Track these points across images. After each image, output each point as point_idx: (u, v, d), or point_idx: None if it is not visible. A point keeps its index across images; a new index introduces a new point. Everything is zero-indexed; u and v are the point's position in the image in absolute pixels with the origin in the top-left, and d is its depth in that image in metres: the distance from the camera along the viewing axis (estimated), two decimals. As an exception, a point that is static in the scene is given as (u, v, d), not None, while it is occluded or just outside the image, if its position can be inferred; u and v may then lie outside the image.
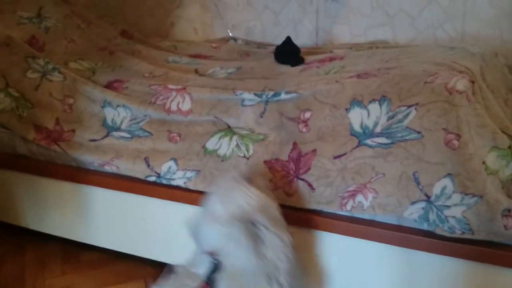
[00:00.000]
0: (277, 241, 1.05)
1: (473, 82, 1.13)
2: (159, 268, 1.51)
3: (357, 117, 1.17)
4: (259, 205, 1.06)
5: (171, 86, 1.43)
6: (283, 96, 1.27)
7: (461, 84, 1.09)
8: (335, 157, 1.17)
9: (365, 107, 1.16)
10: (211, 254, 1.05)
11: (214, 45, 1.99)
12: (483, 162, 1.05)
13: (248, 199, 1.06)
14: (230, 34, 2.16)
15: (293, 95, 1.26)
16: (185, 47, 2.02)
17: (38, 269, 1.57)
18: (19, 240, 1.71)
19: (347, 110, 1.18)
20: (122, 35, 2.10)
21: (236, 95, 1.33)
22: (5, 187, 1.61)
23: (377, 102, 1.14)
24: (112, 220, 1.50)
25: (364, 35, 1.89)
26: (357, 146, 1.16)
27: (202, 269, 1.10)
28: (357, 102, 1.17)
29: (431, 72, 1.15)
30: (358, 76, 1.23)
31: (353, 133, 1.17)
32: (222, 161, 1.30)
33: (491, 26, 1.72)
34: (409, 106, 1.10)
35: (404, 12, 1.80)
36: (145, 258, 1.51)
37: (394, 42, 1.83)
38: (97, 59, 1.73)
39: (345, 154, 1.17)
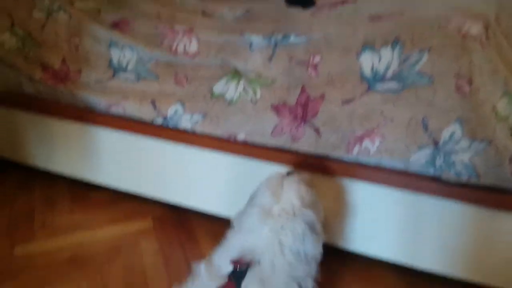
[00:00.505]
0: (315, 245, 1.04)
1: (487, 27, 1.10)
2: (166, 207, 1.55)
3: (368, 62, 1.15)
4: (310, 204, 1.06)
5: (177, 28, 1.40)
6: (292, 39, 1.25)
7: (475, 29, 1.07)
8: (344, 102, 1.17)
9: (377, 51, 1.14)
10: (239, 262, 1.01)
11: (222, -14, 1.92)
12: (494, 108, 1.04)
13: (300, 197, 1.06)
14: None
15: (302, 38, 1.24)
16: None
17: (47, 206, 1.60)
18: (28, 179, 1.74)
19: (358, 54, 1.16)
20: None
21: (244, 37, 1.30)
22: (12, 126, 1.61)
23: (389, 45, 1.12)
24: (119, 161, 1.51)
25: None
26: (366, 91, 1.15)
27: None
28: (368, 46, 1.15)
29: (445, 16, 1.12)
30: (371, 19, 1.21)
31: (363, 78, 1.15)
32: (229, 105, 1.29)
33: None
34: (422, 50, 1.08)
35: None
36: (152, 198, 1.53)
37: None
38: (103, -2, 1.68)
39: (354, 99, 1.16)
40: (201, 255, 1.38)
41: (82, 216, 1.55)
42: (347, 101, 1.16)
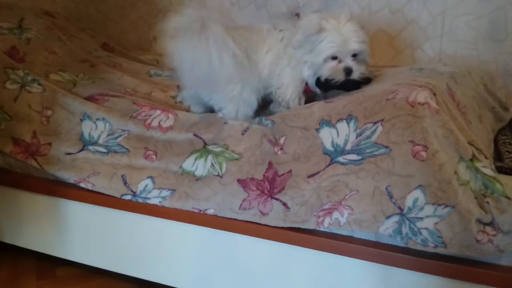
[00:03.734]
0: None
1: (435, 94, 1.20)
2: (136, 284, 1.55)
3: (327, 136, 1.24)
4: None
5: (156, 107, 1.50)
6: (264, 121, 1.38)
7: (422, 96, 1.17)
8: (309, 176, 1.24)
9: (334, 126, 1.24)
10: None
11: (196, 59, 2.03)
12: (455, 172, 1.10)
13: None
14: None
15: (269, 122, 1.36)
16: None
17: (12, 284, 1.60)
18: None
19: (317, 130, 1.26)
20: (103, 47, 2.16)
21: (220, 115, 1.44)
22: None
23: (344, 120, 1.23)
24: (89, 235, 1.54)
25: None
26: (329, 164, 1.23)
27: None
28: (325, 122, 1.26)
29: (391, 90, 1.23)
30: (324, 101, 1.33)
31: (326, 152, 1.24)
32: (197, 180, 1.35)
33: (468, 47, 1.81)
34: (375, 123, 1.18)
35: (383, 32, 1.87)
36: (121, 274, 1.55)
37: (373, 61, 1.90)
38: (78, 71, 1.78)
39: (318, 172, 1.23)
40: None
41: (48, 295, 1.56)
42: (312, 175, 1.23)
